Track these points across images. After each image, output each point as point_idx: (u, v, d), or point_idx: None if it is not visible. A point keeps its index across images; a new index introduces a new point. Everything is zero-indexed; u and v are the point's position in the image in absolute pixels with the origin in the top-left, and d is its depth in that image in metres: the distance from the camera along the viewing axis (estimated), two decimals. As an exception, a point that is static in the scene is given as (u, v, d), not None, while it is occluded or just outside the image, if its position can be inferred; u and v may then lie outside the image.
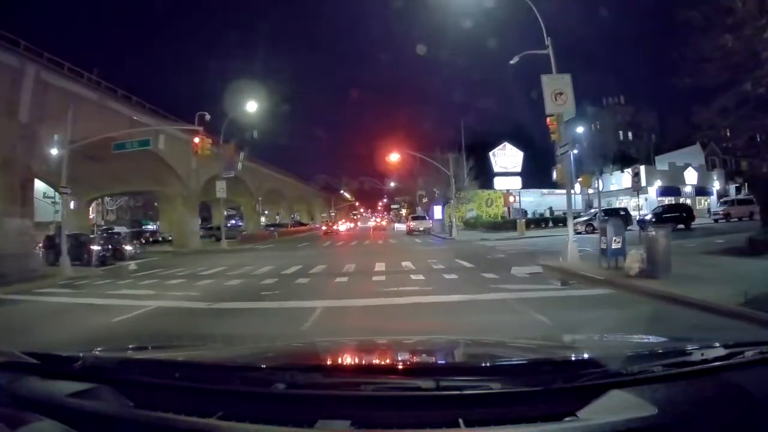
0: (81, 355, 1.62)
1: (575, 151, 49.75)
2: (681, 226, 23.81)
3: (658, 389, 1.22)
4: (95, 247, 21.54)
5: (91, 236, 22.92)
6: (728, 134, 14.48)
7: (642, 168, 36.75)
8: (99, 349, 1.96)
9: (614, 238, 10.20)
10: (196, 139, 17.65)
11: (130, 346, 2.11)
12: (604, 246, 10.57)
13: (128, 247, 24.04)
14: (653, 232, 9.09)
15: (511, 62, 14.25)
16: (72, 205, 38.89)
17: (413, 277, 11.02)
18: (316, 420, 1.18)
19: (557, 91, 13.27)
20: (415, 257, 16.30)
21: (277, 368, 1.51)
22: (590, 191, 52.09)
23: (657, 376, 1.27)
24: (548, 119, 13.18)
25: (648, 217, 25.76)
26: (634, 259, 8.94)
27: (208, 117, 18.97)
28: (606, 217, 12.30)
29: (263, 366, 1.59)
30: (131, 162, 29.92)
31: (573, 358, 1.61)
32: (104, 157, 31.07)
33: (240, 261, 17.84)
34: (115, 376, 1.49)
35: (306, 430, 1.16)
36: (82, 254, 20.69)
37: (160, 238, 38.93)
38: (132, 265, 18.80)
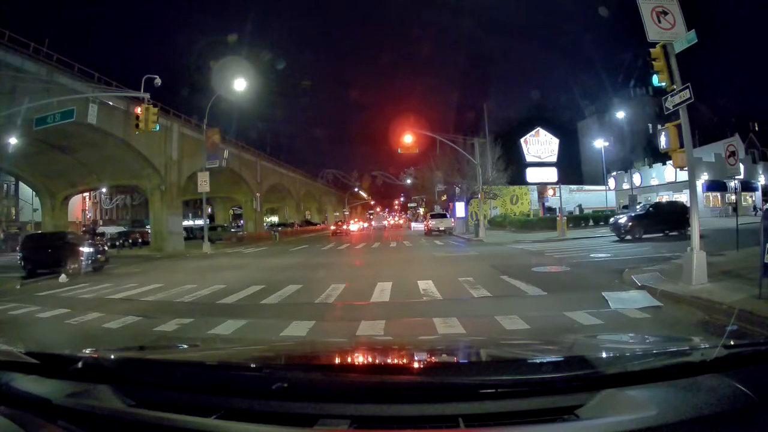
0: (81, 355, 1.59)
1: (606, 144, 45.56)
2: (674, 232, 17.85)
3: (658, 389, 1.20)
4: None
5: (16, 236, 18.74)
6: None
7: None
8: (99, 349, 1.89)
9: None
10: (138, 109, 12.97)
11: (130, 346, 2.18)
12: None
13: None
14: None
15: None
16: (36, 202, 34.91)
17: (440, 323, 5.83)
18: (316, 420, 1.16)
19: (659, 8, 8.30)
20: (438, 271, 11.30)
21: (277, 368, 1.51)
22: (625, 186, 47.13)
23: (657, 376, 1.25)
24: (652, 53, 8.15)
25: (622, 221, 18.52)
26: None
27: (158, 82, 14.27)
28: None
29: (263, 366, 1.51)
30: (101, 152, 25.91)
31: (573, 358, 1.56)
32: (73, 147, 27.13)
33: (194, 276, 13.18)
34: (115, 376, 1.44)
35: (306, 430, 1.14)
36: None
37: (150, 240, 35.04)
38: (63, 277, 14.49)
